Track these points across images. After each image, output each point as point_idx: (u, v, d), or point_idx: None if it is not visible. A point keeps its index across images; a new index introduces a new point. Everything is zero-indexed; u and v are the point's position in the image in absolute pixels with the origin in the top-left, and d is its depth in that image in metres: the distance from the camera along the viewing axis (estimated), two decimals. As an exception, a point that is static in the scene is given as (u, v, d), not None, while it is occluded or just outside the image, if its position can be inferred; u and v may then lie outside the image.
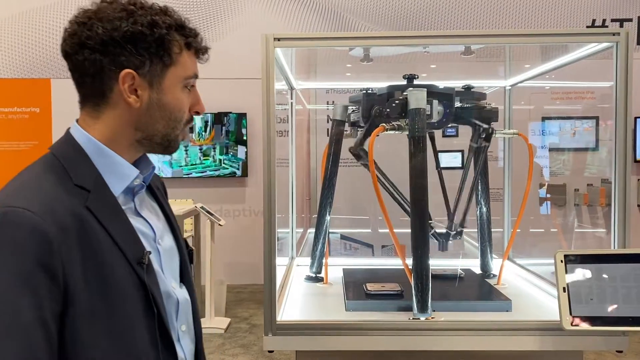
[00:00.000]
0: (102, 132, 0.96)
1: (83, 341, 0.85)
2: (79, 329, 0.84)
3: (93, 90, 0.94)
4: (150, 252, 0.94)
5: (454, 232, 2.21)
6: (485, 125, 2.16)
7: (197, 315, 1.09)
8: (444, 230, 2.19)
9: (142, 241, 0.95)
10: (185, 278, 1.09)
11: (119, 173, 0.95)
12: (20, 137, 5.69)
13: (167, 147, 1.01)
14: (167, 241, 1.05)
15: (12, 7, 5.61)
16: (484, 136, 2.18)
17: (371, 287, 1.99)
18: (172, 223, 1.10)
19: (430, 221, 2.10)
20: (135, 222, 0.97)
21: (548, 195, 4.74)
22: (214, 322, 4.51)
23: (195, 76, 1.01)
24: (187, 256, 1.13)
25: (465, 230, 2.26)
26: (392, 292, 1.96)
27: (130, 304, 0.90)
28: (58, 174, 0.90)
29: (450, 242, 2.19)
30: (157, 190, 1.10)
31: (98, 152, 0.94)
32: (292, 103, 2.75)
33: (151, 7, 0.95)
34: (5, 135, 5.67)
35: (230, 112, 5.74)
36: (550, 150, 5.05)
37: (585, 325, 1.55)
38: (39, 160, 0.94)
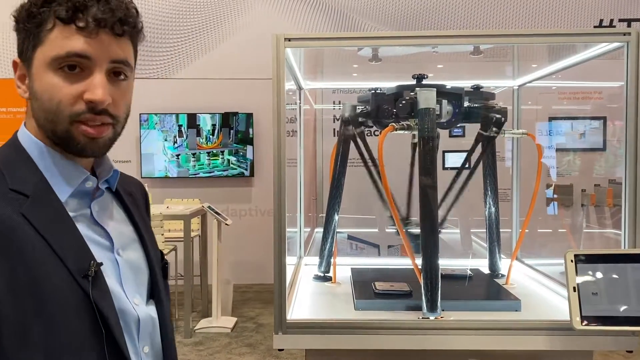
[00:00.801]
0: (33, 130, 0.86)
1: None
2: (8, 349, 0.74)
3: None
4: (101, 264, 0.83)
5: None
6: (497, 116, 2.15)
7: (167, 335, 0.97)
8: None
9: (92, 251, 0.84)
10: (156, 295, 0.97)
11: (64, 175, 0.85)
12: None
13: (67, 146, 0.84)
14: (132, 253, 0.94)
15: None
16: (493, 130, 2.18)
17: (380, 286, 2.00)
18: (142, 234, 0.98)
19: (407, 220, 2.12)
20: (89, 230, 0.86)
21: (555, 196, 4.73)
22: (220, 322, 4.53)
23: (76, 55, 0.80)
24: (161, 270, 1.01)
25: (473, 230, 2.26)
26: (400, 292, 1.96)
27: (73, 323, 0.79)
28: None
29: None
30: (126, 197, 0.99)
31: (40, 153, 0.85)
32: (300, 103, 2.76)
33: None
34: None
35: (238, 112, 5.76)
36: (558, 150, 5.04)
37: (595, 325, 1.54)
38: None
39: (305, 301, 2.06)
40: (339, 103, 5.14)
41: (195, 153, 5.79)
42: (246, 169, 5.81)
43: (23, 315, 0.75)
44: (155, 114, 5.74)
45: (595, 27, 5.54)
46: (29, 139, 0.86)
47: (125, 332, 0.86)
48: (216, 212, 4.56)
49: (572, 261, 1.60)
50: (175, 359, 0.98)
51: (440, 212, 2.19)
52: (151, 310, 0.94)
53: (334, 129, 5.44)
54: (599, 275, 1.58)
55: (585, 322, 1.54)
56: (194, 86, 5.76)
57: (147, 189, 1.15)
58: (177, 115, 5.77)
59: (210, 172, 5.82)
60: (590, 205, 4.75)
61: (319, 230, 2.40)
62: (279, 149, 1.72)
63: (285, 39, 1.71)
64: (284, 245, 1.74)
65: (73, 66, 0.81)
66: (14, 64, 0.86)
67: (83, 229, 0.85)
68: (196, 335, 4.39)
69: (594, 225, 4.73)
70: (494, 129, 2.17)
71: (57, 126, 0.82)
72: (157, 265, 0.99)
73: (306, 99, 3.02)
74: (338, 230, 2.38)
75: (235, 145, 5.81)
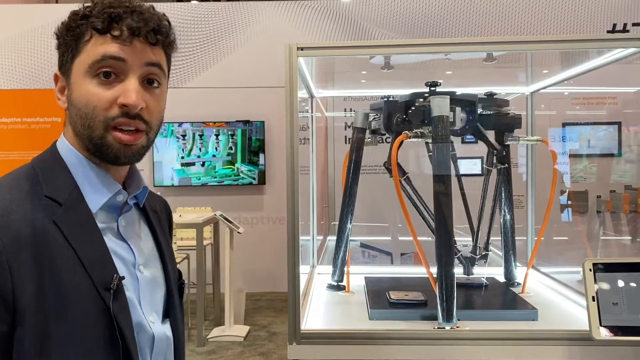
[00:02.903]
0: (71, 141, 0.89)
1: None
2: (27, 354, 0.75)
3: None
4: (123, 278, 0.84)
5: (479, 256, 2.21)
6: (511, 123, 2.14)
7: (180, 355, 0.97)
8: (468, 254, 2.19)
9: (116, 265, 0.85)
10: (171, 314, 0.97)
11: (97, 187, 0.87)
12: (43, 147, 5.71)
13: (102, 153, 0.86)
14: (152, 270, 0.94)
15: (36, 19, 5.73)
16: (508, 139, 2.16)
17: (394, 295, 1.98)
18: (163, 252, 0.99)
19: (455, 244, 2.09)
20: (114, 243, 0.88)
21: (570, 202, 4.67)
22: (233, 330, 4.52)
23: (111, 58, 0.83)
24: (178, 290, 1.01)
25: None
26: (415, 301, 1.94)
27: (92, 333, 0.80)
28: (29, 184, 0.83)
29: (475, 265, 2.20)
30: (152, 214, 1.00)
31: (78, 163, 0.87)
32: (312, 111, 2.76)
33: (101, 2, 0.85)
34: (29, 145, 5.76)
35: (249, 121, 5.77)
36: (572, 156, 4.99)
37: (615, 336, 1.51)
38: (17, 169, 0.88)
39: (319, 311, 2.04)
40: (351, 110, 5.14)
41: (206, 162, 5.81)
42: (254, 178, 5.81)
43: (45, 321, 0.76)
44: (167, 122, 5.77)
45: (608, 31, 5.49)
46: (66, 149, 0.89)
47: (139, 348, 0.86)
48: (228, 220, 4.56)
49: (590, 270, 1.57)
50: None
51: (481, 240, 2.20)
52: (167, 329, 0.95)
53: (346, 136, 5.44)
54: (619, 284, 1.55)
55: (605, 332, 1.51)
56: (205, 95, 5.79)
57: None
58: (190, 123, 5.80)
59: (221, 181, 5.84)
60: (606, 212, 4.68)
61: (331, 238, 2.39)
62: (292, 158, 1.72)
63: (297, 48, 1.71)
64: (298, 256, 1.74)
65: (108, 73, 0.84)
66: (55, 77, 0.89)
67: (109, 242, 0.87)
68: (209, 344, 4.38)
69: (610, 232, 4.67)
70: (508, 136, 2.15)
71: (93, 132, 0.84)
72: (174, 284, 0.99)
73: (317, 107, 3.02)
74: (351, 238, 2.36)
75: (246, 153, 5.82)
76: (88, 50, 0.83)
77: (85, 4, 0.86)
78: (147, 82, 0.87)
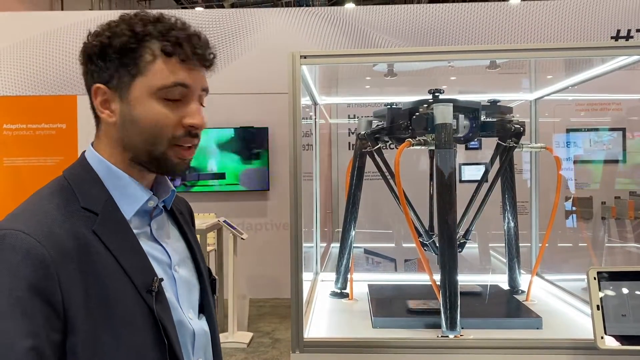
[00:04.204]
0: (105, 152, 0.92)
1: None
2: None
3: (91, 107, 0.93)
4: (162, 279, 0.88)
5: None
6: (515, 130, 2.13)
7: (217, 348, 1.04)
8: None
9: (154, 267, 0.89)
10: (206, 309, 1.02)
11: (129, 195, 0.91)
12: (48, 153, 5.81)
13: (159, 166, 0.91)
14: (186, 269, 0.99)
15: (40, 26, 5.77)
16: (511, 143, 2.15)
17: (414, 304, 1.97)
18: (194, 251, 1.03)
19: (431, 232, 2.10)
20: (149, 247, 0.92)
21: (574, 208, 4.65)
22: (236, 337, 4.51)
23: (180, 85, 0.88)
24: (210, 286, 1.06)
25: (492, 245, 2.23)
26: (436, 309, 1.93)
27: (138, 335, 0.83)
28: (65, 197, 0.87)
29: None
30: (179, 215, 1.05)
31: (108, 173, 0.91)
32: (315, 118, 2.77)
33: (140, 17, 0.89)
34: (34, 151, 5.79)
35: (253, 127, 5.79)
36: (575, 162, 4.97)
37: (620, 344, 1.51)
38: (50, 183, 0.91)
39: (323, 319, 2.04)
40: (354, 117, 5.15)
41: (210, 167, 5.82)
42: (261, 183, 5.82)
43: (95, 328, 0.79)
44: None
45: (612, 37, 5.48)
46: (97, 160, 0.92)
47: (182, 345, 0.90)
48: (232, 227, 4.56)
49: (595, 278, 1.56)
50: None
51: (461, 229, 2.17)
52: (204, 324, 1.00)
53: (349, 142, 5.44)
54: (624, 292, 1.54)
55: (610, 341, 1.50)
56: (209, 101, 5.79)
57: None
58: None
59: (224, 186, 5.84)
60: (611, 218, 4.66)
61: (335, 245, 2.39)
62: (295, 165, 1.72)
63: (301, 56, 1.71)
64: (301, 264, 1.73)
65: (175, 94, 0.89)
66: (96, 89, 0.90)
67: (145, 246, 0.91)
68: (212, 350, 4.37)
69: (615, 239, 4.64)
70: (512, 143, 2.14)
71: (157, 148, 0.89)
72: (207, 281, 1.04)
73: (321, 113, 3.03)
74: (355, 245, 2.36)
75: (250, 159, 5.83)
76: (155, 72, 0.87)
77: (133, 19, 0.89)
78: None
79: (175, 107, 0.89)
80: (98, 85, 0.89)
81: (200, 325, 0.98)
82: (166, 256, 0.94)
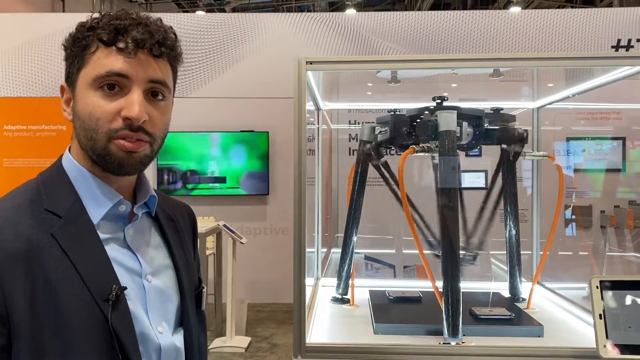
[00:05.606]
0: (75, 153, 0.89)
1: None
2: None
3: None
4: (125, 288, 0.83)
5: (469, 258, 2.21)
6: (517, 138, 2.14)
7: None
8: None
9: (119, 275, 0.84)
10: (185, 323, 0.95)
11: (98, 198, 0.87)
12: (47, 154, 5.80)
13: (105, 162, 0.85)
14: (163, 279, 0.93)
15: (43, 27, 5.77)
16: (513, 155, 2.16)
17: (479, 311, 1.97)
18: (176, 261, 0.97)
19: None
20: (119, 253, 0.87)
21: (574, 217, 4.66)
22: (234, 341, 4.50)
23: (116, 74, 0.83)
24: (194, 299, 0.99)
25: (493, 253, 2.23)
26: (502, 317, 1.94)
27: (89, 345, 0.79)
28: (30, 198, 0.84)
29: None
30: (168, 222, 0.99)
31: (78, 175, 0.88)
32: (318, 124, 2.77)
33: (102, 15, 0.86)
34: (34, 152, 5.78)
35: (254, 131, 5.79)
36: (576, 170, 4.98)
37: (623, 354, 1.50)
38: (22, 185, 0.88)
39: (324, 324, 2.04)
40: (355, 122, 5.15)
41: (211, 170, 5.82)
42: (261, 188, 5.81)
43: (40, 334, 0.76)
44: (172, 132, 5.78)
45: (612, 47, 5.51)
46: (70, 162, 0.89)
47: (144, 358, 0.85)
48: (231, 231, 4.56)
49: (597, 287, 1.56)
50: None
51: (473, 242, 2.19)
52: (177, 340, 0.93)
53: (350, 148, 5.44)
54: (627, 302, 1.54)
55: (612, 350, 1.50)
56: (210, 105, 5.81)
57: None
58: (193, 133, 5.81)
59: (225, 190, 5.84)
60: (610, 227, 4.67)
61: (335, 250, 2.39)
62: (299, 170, 1.72)
63: (306, 62, 1.72)
64: (304, 270, 1.73)
65: (112, 85, 0.83)
66: (62, 88, 0.90)
67: (113, 252, 0.86)
68: (210, 354, 4.36)
69: (614, 247, 4.65)
70: (515, 151, 2.15)
71: (96, 143, 0.84)
72: (189, 293, 0.97)
73: (323, 118, 3.03)
74: (356, 250, 2.36)
75: (250, 163, 5.83)
76: (94, 62, 0.83)
77: (93, 16, 0.87)
78: (152, 94, 0.87)
79: (114, 97, 0.83)
80: (62, 84, 0.89)
81: (171, 340, 0.91)
82: (137, 264, 0.89)
